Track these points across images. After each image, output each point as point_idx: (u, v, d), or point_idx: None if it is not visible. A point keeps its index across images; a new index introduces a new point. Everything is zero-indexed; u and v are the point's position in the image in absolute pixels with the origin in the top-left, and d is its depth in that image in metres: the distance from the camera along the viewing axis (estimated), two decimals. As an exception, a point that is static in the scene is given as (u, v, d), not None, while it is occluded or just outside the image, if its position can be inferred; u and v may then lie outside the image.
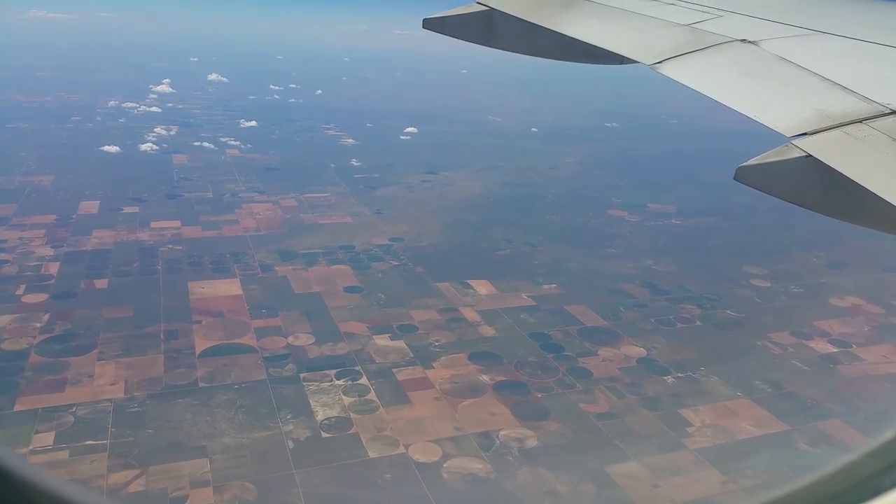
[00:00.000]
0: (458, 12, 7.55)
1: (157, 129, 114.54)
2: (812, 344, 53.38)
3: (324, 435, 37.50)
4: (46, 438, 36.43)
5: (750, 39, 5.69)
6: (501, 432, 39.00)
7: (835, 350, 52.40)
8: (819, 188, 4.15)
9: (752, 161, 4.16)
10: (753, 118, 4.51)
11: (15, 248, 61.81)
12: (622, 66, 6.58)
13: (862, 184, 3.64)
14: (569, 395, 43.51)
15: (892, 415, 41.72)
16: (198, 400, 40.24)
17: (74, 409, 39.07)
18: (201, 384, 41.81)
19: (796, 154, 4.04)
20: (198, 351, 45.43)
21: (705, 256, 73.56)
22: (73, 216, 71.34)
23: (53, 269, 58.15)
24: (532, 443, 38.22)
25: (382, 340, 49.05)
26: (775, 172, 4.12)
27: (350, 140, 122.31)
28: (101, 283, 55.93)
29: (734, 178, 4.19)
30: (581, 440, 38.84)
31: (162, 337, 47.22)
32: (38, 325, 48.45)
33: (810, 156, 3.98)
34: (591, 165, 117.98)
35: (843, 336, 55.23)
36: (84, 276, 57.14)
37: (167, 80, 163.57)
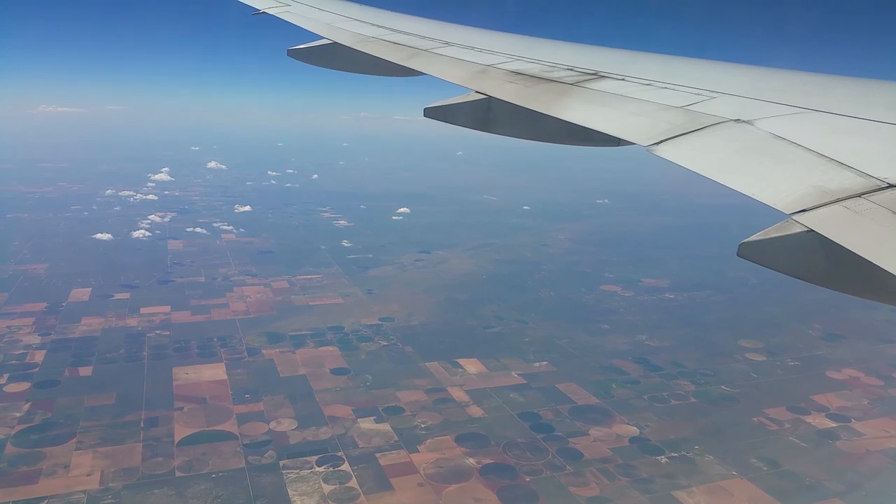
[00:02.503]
0: (458, 101, 7.99)
1: (152, 217, 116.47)
2: (809, 419, 52.10)
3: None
4: (13, 535, 34.97)
5: (744, 119, 5.96)
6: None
7: (833, 425, 51.08)
8: (822, 262, 4.23)
9: (755, 237, 4.27)
10: (751, 196, 4.64)
11: (2, 336, 61.41)
12: (609, 150, 6.88)
13: (865, 256, 3.72)
14: (558, 477, 42.03)
15: (893, 493, 40.20)
16: (173, 490, 38.86)
17: (46, 502, 37.71)
18: (178, 473, 40.48)
19: (798, 229, 4.14)
20: (177, 439, 44.26)
21: (699, 331, 72.94)
22: (64, 304, 71.33)
23: (39, 357, 57.56)
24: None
25: (367, 424, 47.89)
26: (778, 248, 4.22)
27: (344, 222, 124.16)
28: (85, 371, 55.19)
29: (737, 255, 4.29)
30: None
31: (142, 425, 46.13)
32: (18, 414, 47.43)
33: (812, 230, 4.08)
34: (583, 242, 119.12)
35: (842, 410, 53.97)
36: (69, 364, 56.45)
37: (166, 168, 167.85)
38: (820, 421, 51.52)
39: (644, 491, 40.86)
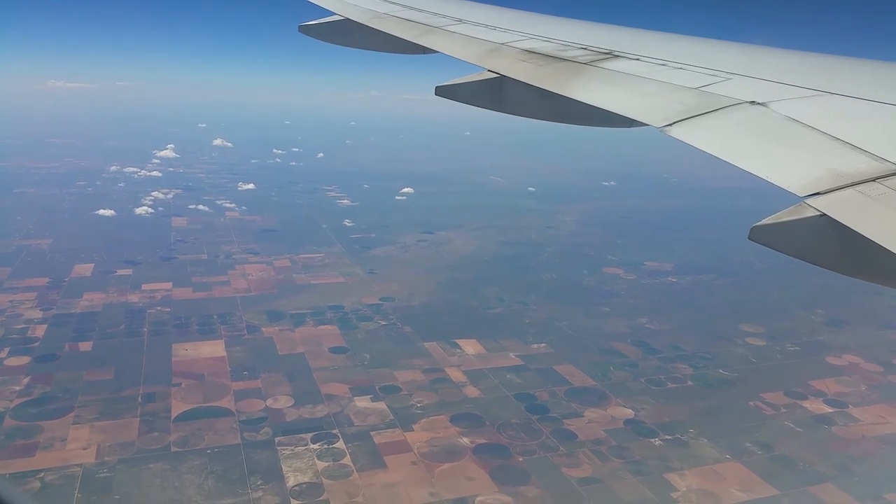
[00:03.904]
0: (470, 79, 7.93)
1: (156, 193, 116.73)
2: (806, 404, 51.94)
3: (293, 502, 36.32)
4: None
5: (759, 101, 5.87)
6: (478, 498, 37.62)
7: (830, 410, 50.92)
8: (833, 247, 4.17)
9: (766, 220, 4.20)
10: (765, 178, 4.58)
11: (4, 310, 61.96)
12: (623, 128, 6.81)
13: (878, 241, 3.64)
14: (551, 458, 42.18)
15: (887, 478, 40.16)
16: (168, 465, 39.26)
17: (42, 474, 38.21)
18: (174, 448, 40.88)
19: (810, 213, 4.08)
20: (174, 414, 44.66)
21: (700, 315, 72.67)
22: (66, 279, 71.80)
23: (40, 331, 58.08)
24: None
25: (363, 402, 48.13)
26: (789, 231, 4.17)
27: (347, 201, 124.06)
28: (85, 346, 55.67)
29: (748, 238, 4.22)
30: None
31: (140, 400, 46.55)
32: (17, 388, 47.95)
33: (824, 215, 4.00)
34: (588, 224, 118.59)
35: (839, 396, 53.78)
36: (69, 339, 56.95)
37: (171, 145, 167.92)
38: (817, 406, 51.39)
39: (636, 472, 40.95)
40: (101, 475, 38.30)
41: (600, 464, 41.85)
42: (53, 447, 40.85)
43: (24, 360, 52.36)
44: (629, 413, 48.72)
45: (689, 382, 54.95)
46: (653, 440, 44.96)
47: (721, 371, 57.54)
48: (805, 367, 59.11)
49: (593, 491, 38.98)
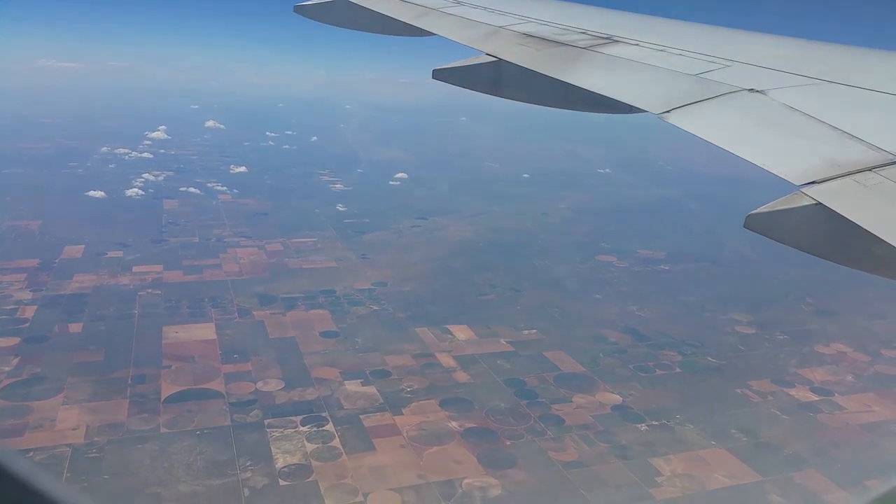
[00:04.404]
0: (468, 63, 7.87)
1: (146, 175, 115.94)
2: (793, 392, 52.48)
3: (282, 483, 36.58)
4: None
5: (758, 89, 5.86)
6: (465, 481, 38.02)
7: (816, 398, 51.47)
8: (828, 236, 4.20)
9: (762, 209, 4.23)
10: (762, 166, 4.59)
11: (-6, 291, 61.78)
12: (619, 115, 6.79)
13: (872, 231, 3.67)
14: (539, 442, 42.57)
15: (869, 466, 40.73)
16: (158, 446, 39.45)
17: (32, 454, 38.25)
18: (163, 430, 41.04)
19: (806, 202, 4.10)
20: (163, 396, 44.76)
21: (691, 303, 73.03)
22: (56, 261, 71.47)
23: (30, 312, 57.92)
24: (496, 492, 37.20)
25: (353, 386, 48.35)
26: (785, 220, 4.19)
27: (341, 185, 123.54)
28: (75, 328, 55.58)
29: (744, 226, 4.24)
30: (546, 490, 37.80)
31: (129, 382, 46.61)
32: (7, 368, 47.95)
33: (820, 203, 4.03)
34: (582, 211, 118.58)
35: (826, 384, 54.35)
36: (59, 321, 56.81)
37: (163, 126, 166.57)
38: (803, 394, 51.94)
39: (622, 457, 41.41)
40: (90, 455, 38.48)
41: (587, 448, 42.27)
42: (42, 427, 40.97)
43: (13, 340, 52.24)
44: (617, 399, 49.13)
45: (677, 369, 55.40)
46: (639, 426, 45.41)
47: (709, 358, 58.02)
48: (793, 356, 59.62)
49: (579, 474, 39.40)
